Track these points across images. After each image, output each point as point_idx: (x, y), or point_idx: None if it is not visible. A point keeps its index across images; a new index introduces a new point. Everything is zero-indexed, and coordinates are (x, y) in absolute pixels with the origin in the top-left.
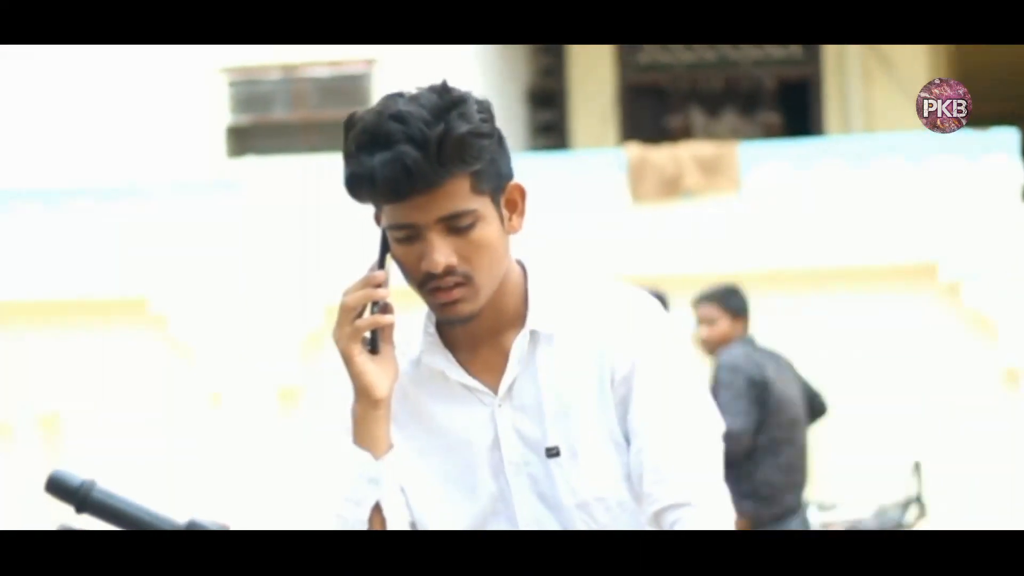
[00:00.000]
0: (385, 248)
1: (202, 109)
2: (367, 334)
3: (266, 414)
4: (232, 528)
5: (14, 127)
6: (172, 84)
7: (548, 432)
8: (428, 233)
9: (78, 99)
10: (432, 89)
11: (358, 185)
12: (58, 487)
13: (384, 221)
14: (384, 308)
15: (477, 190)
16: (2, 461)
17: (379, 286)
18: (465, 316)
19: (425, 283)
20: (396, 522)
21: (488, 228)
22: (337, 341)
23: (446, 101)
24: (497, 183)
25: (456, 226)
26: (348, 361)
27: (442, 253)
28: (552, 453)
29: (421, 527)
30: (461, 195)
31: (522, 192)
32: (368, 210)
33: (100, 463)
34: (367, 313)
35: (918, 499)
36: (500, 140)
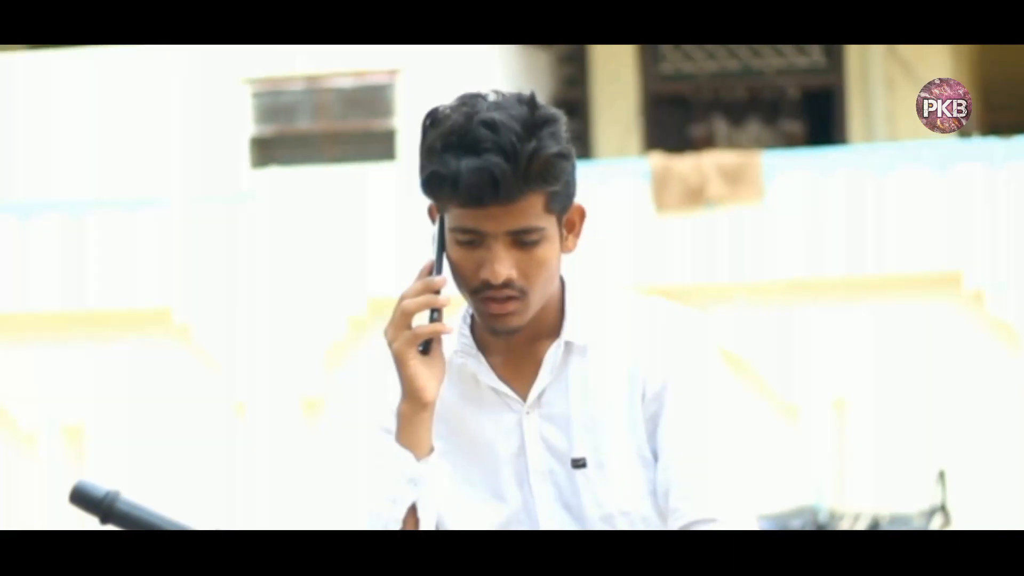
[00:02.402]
0: (442, 249)
1: (226, 120)
2: None
3: (290, 424)
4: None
5: (38, 139)
6: (196, 94)
7: (575, 443)
8: (493, 242)
9: (102, 110)
10: (520, 100)
11: (438, 185)
12: (82, 498)
13: (449, 221)
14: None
15: (549, 209)
16: (27, 472)
17: (438, 292)
18: (512, 328)
19: (479, 291)
20: (429, 524)
21: (550, 247)
22: (391, 342)
23: (537, 118)
24: (565, 204)
25: (523, 240)
26: (402, 364)
27: (504, 265)
28: (578, 464)
29: (442, 528)
30: (535, 212)
31: (582, 214)
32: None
33: (124, 473)
34: (426, 318)
35: (943, 507)
36: (574, 162)
